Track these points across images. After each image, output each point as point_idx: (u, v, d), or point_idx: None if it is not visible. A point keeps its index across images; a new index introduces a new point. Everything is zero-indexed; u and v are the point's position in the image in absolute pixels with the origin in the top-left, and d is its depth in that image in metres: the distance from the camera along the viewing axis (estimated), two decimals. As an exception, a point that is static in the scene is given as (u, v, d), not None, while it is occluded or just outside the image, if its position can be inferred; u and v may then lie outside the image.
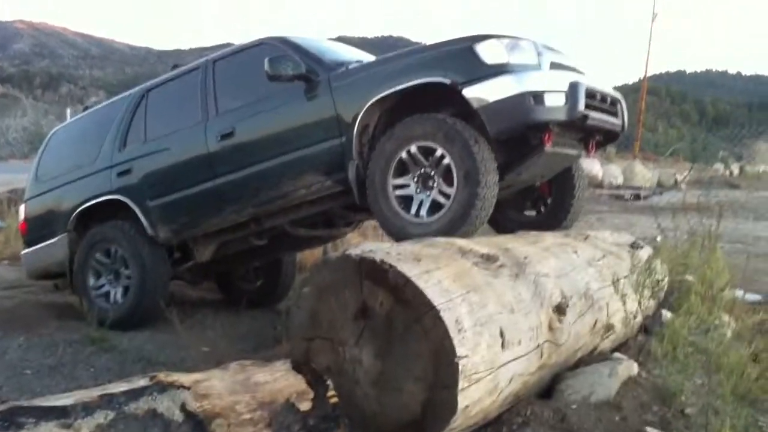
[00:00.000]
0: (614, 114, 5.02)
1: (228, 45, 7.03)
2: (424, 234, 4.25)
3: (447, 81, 4.51)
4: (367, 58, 5.75)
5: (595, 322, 3.92)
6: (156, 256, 6.03)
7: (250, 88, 5.51)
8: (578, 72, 4.88)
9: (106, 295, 6.24)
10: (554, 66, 4.67)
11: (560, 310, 3.47)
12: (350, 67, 5.17)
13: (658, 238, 6.62)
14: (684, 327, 3.76)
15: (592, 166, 20.13)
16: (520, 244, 3.98)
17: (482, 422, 3.06)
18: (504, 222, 5.66)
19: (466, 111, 4.51)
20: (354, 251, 2.91)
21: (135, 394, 2.21)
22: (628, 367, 3.85)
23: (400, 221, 4.64)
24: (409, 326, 2.71)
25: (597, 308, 3.94)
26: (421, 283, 2.71)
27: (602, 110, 4.82)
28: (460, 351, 2.62)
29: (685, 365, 3.58)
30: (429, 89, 4.62)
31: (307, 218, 5.61)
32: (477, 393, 2.74)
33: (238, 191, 5.43)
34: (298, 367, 2.84)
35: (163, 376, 2.34)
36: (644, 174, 22.81)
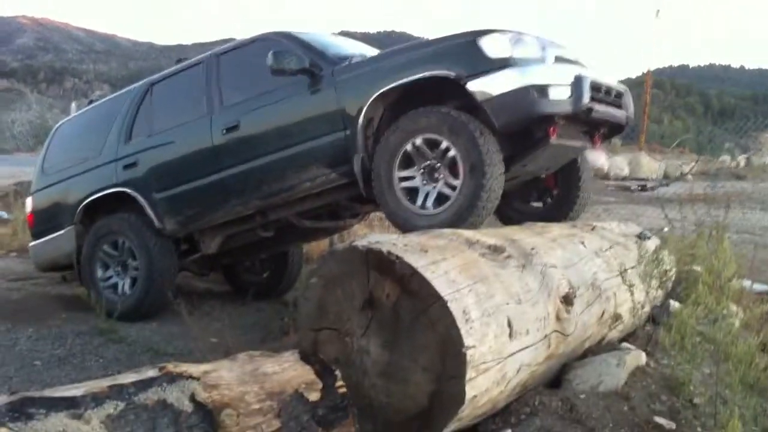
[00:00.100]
0: (619, 106, 5.02)
1: (230, 40, 7.04)
2: (431, 225, 4.25)
3: (451, 75, 4.52)
4: (371, 52, 5.75)
5: (603, 313, 3.92)
6: (163, 247, 6.05)
7: (254, 81, 5.51)
8: (583, 66, 4.89)
9: (114, 286, 6.28)
10: (558, 60, 4.68)
11: (568, 300, 3.47)
12: (354, 61, 5.17)
13: (666, 229, 6.60)
14: (692, 317, 3.73)
15: (597, 157, 20.04)
16: (526, 235, 3.97)
17: (490, 412, 3.06)
18: (510, 213, 5.66)
19: (469, 105, 4.52)
20: (361, 242, 2.92)
21: (144, 385, 2.22)
22: (636, 357, 3.85)
23: (406, 213, 4.65)
24: (416, 317, 2.71)
25: (604, 298, 3.94)
26: (428, 274, 2.71)
27: (607, 103, 4.82)
28: (467, 341, 2.62)
29: (693, 355, 3.56)
30: (433, 83, 4.62)
31: (312, 210, 5.62)
32: (485, 383, 2.75)
33: (244, 184, 5.44)
34: (306, 358, 2.84)
35: (172, 367, 2.35)
36: (650, 165, 22.72)
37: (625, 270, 4.24)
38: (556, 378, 3.61)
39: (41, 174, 7.13)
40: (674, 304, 4.77)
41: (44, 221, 6.88)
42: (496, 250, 3.34)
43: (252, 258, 7.27)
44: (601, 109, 4.70)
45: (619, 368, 3.63)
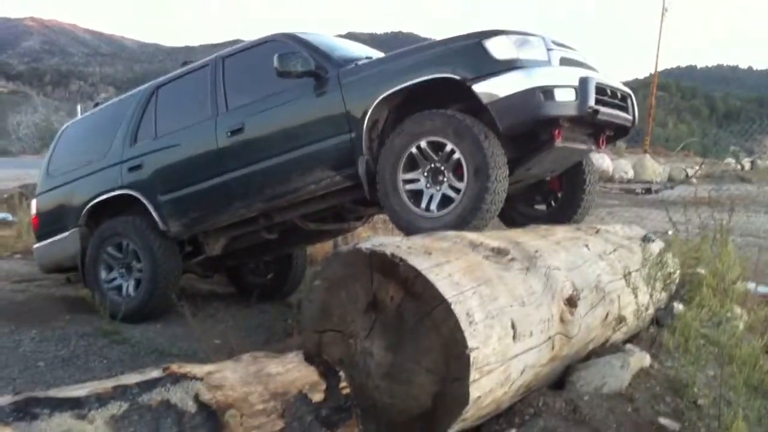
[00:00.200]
0: (624, 109, 5.01)
1: (237, 42, 7.05)
2: (435, 228, 4.25)
3: (456, 77, 4.52)
4: (375, 54, 5.76)
5: (607, 315, 3.92)
6: (167, 249, 6.07)
7: (259, 84, 5.52)
8: (589, 67, 4.88)
9: (118, 288, 6.29)
10: (564, 61, 4.67)
11: (571, 302, 3.47)
12: (359, 63, 5.17)
13: (670, 232, 6.60)
14: (696, 319, 3.74)
15: (602, 160, 20.05)
16: (530, 237, 3.97)
17: (494, 413, 3.07)
18: (514, 216, 5.66)
19: (475, 106, 4.51)
20: (365, 245, 2.92)
21: (148, 385, 2.23)
22: (640, 359, 3.85)
23: (411, 215, 4.65)
24: (420, 319, 2.71)
25: (608, 301, 3.94)
26: (432, 277, 2.72)
27: (612, 105, 4.81)
28: (471, 343, 2.62)
29: (698, 357, 3.57)
30: (438, 85, 4.62)
31: (316, 213, 5.63)
32: (489, 384, 2.75)
33: (248, 186, 5.45)
34: (310, 359, 2.85)
35: (176, 368, 2.36)
36: (655, 168, 22.74)
37: (629, 273, 4.23)
38: (560, 379, 3.61)
39: (46, 176, 7.15)
40: (678, 307, 4.77)
41: (49, 223, 6.90)
42: (500, 252, 3.34)
43: (256, 260, 7.29)
44: (607, 112, 4.68)
45: (623, 370, 3.63)
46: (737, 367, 3.31)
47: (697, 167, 19.98)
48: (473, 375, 2.63)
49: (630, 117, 5.08)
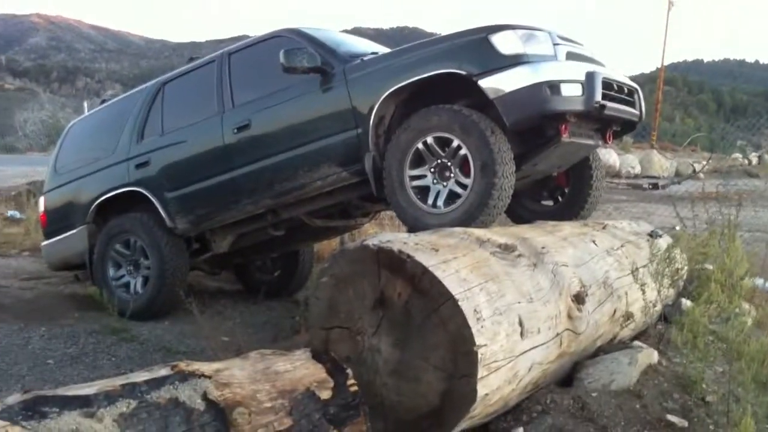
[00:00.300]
0: (631, 104, 4.99)
1: (244, 37, 7.05)
2: (441, 224, 4.25)
3: (463, 72, 4.50)
4: (381, 50, 5.75)
5: (615, 311, 3.91)
6: (175, 247, 6.08)
7: (265, 80, 5.52)
8: (595, 62, 4.86)
9: (126, 285, 6.31)
10: (571, 56, 4.65)
11: (579, 299, 3.47)
12: (365, 59, 5.16)
13: (677, 227, 6.58)
14: (704, 315, 3.73)
15: (608, 155, 20.00)
16: (538, 233, 3.97)
17: (502, 410, 3.07)
18: (521, 212, 5.65)
19: (481, 102, 4.50)
20: (372, 241, 2.92)
21: (157, 383, 2.23)
22: (648, 355, 3.84)
23: (417, 212, 4.64)
24: (428, 316, 2.71)
25: (616, 297, 3.93)
26: (439, 273, 2.72)
27: (619, 100, 4.80)
28: (478, 340, 2.62)
29: (706, 353, 3.56)
30: (444, 80, 4.61)
31: (323, 209, 5.63)
32: (496, 381, 2.75)
33: (255, 183, 5.45)
34: (317, 356, 2.85)
35: (184, 365, 2.36)
36: (662, 163, 22.66)
37: (637, 268, 4.22)
38: (567, 376, 3.61)
39: (54, 173, 7.16)
40: (686, 303, 4.75)
41: (57, 220, 6.91)
42: (507, 248, 3.34)
43: (263, 257, 7.29)
44: (613, 107, 4.67)
45: (631, 366, 3.62)
46: (745, 364, 3.30)
47: (705, 162, 19.91)
48: (481, 372, 2.63)
49: (637, 112, 5.07)
